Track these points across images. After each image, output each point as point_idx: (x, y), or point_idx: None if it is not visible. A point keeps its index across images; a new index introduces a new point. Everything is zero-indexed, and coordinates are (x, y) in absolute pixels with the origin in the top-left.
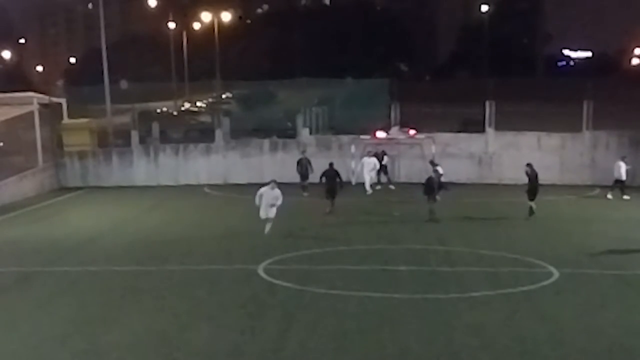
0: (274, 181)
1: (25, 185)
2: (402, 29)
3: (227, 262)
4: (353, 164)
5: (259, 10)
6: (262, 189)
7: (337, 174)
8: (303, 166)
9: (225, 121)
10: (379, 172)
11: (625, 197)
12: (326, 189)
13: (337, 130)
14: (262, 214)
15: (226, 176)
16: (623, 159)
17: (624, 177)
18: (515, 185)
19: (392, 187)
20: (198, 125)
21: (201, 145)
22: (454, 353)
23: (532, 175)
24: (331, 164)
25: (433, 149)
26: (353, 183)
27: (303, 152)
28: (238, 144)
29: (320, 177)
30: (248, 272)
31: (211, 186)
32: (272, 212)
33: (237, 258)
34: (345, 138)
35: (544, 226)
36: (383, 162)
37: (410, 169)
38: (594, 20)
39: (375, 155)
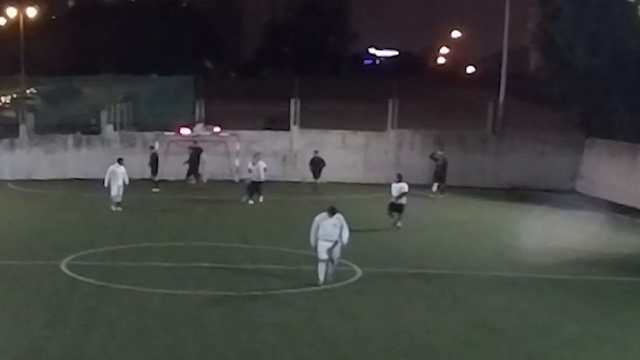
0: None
1: None
2: (207, 25)
3: (30, 258)
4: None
5: (66, 6)
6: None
7: (322, 160)
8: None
9: (30, 117)
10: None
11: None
12: (312, 173)
13: (142, 126)
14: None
15: (30, 172)
16: None
17: None
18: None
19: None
20: (2, 120)
21: (5, 141)
22: (256, 351)
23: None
24: (316, 152)
25: (237, 146)
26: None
27: (152, 147)
28: (42, 140)
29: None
30: (51, 268)
31: (15, 182)
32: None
33: (39, 254)
34: (149, 135)
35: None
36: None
37: (214, 166)
38: (401, 20)
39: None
